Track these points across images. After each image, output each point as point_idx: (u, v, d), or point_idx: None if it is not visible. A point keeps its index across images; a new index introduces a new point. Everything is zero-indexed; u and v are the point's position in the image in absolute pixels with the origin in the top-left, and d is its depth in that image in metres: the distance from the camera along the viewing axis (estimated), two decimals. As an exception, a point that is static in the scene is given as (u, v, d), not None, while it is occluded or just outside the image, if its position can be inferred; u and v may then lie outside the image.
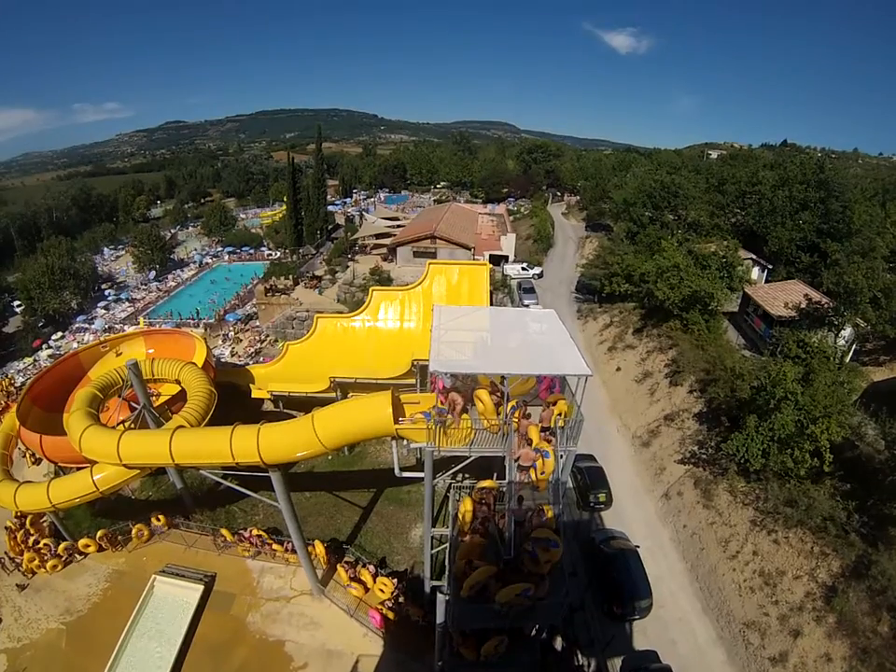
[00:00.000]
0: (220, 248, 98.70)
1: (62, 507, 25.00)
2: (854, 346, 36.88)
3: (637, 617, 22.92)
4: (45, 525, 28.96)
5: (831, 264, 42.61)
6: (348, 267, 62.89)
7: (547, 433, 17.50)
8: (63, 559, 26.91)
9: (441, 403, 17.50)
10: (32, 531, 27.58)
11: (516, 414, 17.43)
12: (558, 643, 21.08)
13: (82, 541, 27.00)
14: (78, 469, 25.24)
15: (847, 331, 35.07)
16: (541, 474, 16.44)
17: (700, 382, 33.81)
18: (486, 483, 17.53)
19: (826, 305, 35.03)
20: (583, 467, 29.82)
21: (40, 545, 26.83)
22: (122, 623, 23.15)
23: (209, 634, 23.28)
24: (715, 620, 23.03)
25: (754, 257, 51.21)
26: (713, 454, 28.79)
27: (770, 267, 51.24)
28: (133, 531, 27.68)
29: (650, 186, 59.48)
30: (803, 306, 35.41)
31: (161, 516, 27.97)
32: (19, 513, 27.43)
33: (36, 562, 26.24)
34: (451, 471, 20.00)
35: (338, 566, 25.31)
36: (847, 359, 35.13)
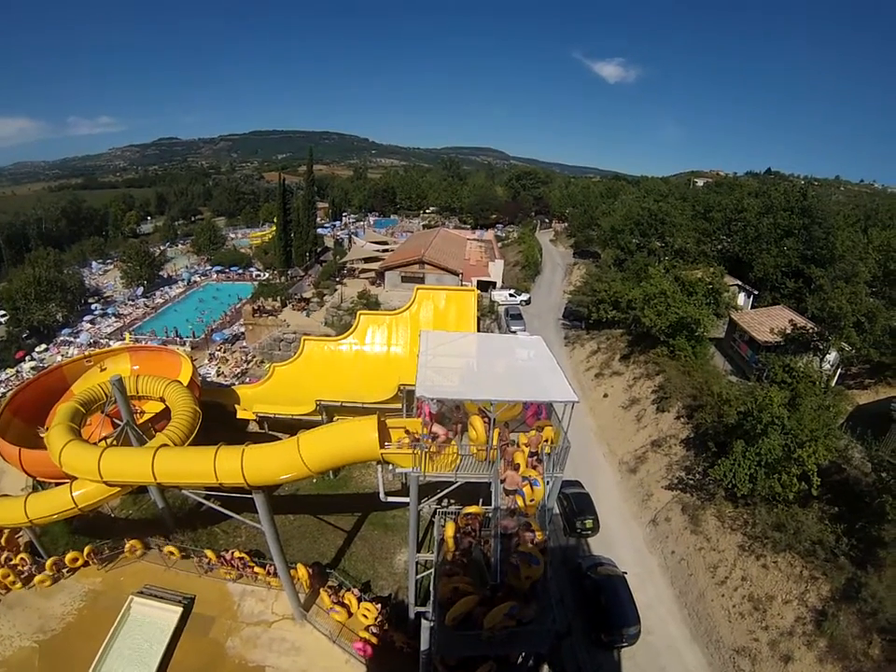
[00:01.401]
0: (209, 267, 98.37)
1: (39, 523, 24.49)
2: (839, 370, 37.20)
3: (625, 644, 22.62)
4: (20, 540, 28.17)
5: (815, 289, 43.16)
6: (336, 290, 63.03)
7: (534, 458, 17.41)
8: (52, 575, 26.05)
9: (427, 431, 17.41)
10: (3, 545, 26.76)
11: (498, 437, 17.37)
12: None
13: (70, 555, 26.22)
14: (58, 484, 24.74)
15: (832, 356, 35.46)
16: (531, 501, 16.33)
17: (687, 408, 33.93)
18: (472, 509, 17.40)
19: (811, 330, 35.41)
20: (570, 493, 29.65)
21: (15, 560, 26.00)
22: (97, 645, 22.43)
23: (186, 658, 22.59)
24: (704, 646, 22.78)
25: (740, 283, 51.83)
26: (700, 479, 28.78)
27: (756, 293, 51.88)
28: (127, 547, 26.93)
29: (637, 213, 60.44)
30: (788, 331, 35.76)
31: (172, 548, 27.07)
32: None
33: (11, 578, 25.42)
34: (436, 496, 19.82)
35: (321, 590, 24.85)
36: (833, 383, 35.36)
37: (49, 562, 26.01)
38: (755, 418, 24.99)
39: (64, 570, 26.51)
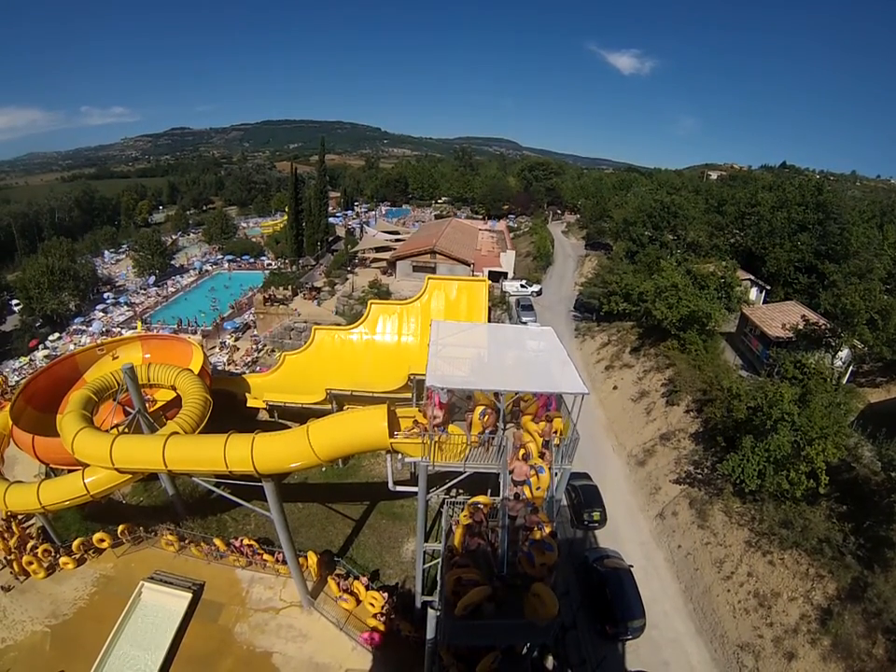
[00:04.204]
0: (220, 256, 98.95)
1: (51, 509, 24.80)
2: (851, 368, 36.86)
3: (629, 637, 22.64)
4: (31, 530, 28.67)
5: (828, 285, 42.84)
6: (347, 279, 63.10)
7: (544, 446, 17.41)
8: (77, 557, 26.69)
9: (424, 418, 17.50)
10: (16, 532, 27.23)
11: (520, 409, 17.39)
12: (549, 662, 20.84)
13: (97, 535, 26.77)
14: (70, 471, 25.06)
15: (844, 353, 35.07)
16: (537, 489, 16.34)
17: (696, 402, 33.79)
18: (479, 499, 17.42)
19: (823, 326, 35.07)
20: (578, 485, 29.66)
21: (38, 550, 26.38)
22: (108, 629, 22.82)
23: (195, 643, 22.95)
24: (709, 641, 22.80)
25: (752, 277, 51.46)
26: (709, 474, 28.71)
27: (768, 288, 51.47)
28: (162, 541, 27.36)
29: (650, 205, 59.98)
30: (800, 327, 35.45)
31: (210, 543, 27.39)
32: (8, 514, 27.14)
33: (34, 566, 25.85)
34: (445, 486, 19.87)
35: (329, 578, 25.09)
36: (844, 381, 35.10)
37: (76, 543, 26.60)
38: (765, 414, 24.89)
39: (91, 551, 27.09)
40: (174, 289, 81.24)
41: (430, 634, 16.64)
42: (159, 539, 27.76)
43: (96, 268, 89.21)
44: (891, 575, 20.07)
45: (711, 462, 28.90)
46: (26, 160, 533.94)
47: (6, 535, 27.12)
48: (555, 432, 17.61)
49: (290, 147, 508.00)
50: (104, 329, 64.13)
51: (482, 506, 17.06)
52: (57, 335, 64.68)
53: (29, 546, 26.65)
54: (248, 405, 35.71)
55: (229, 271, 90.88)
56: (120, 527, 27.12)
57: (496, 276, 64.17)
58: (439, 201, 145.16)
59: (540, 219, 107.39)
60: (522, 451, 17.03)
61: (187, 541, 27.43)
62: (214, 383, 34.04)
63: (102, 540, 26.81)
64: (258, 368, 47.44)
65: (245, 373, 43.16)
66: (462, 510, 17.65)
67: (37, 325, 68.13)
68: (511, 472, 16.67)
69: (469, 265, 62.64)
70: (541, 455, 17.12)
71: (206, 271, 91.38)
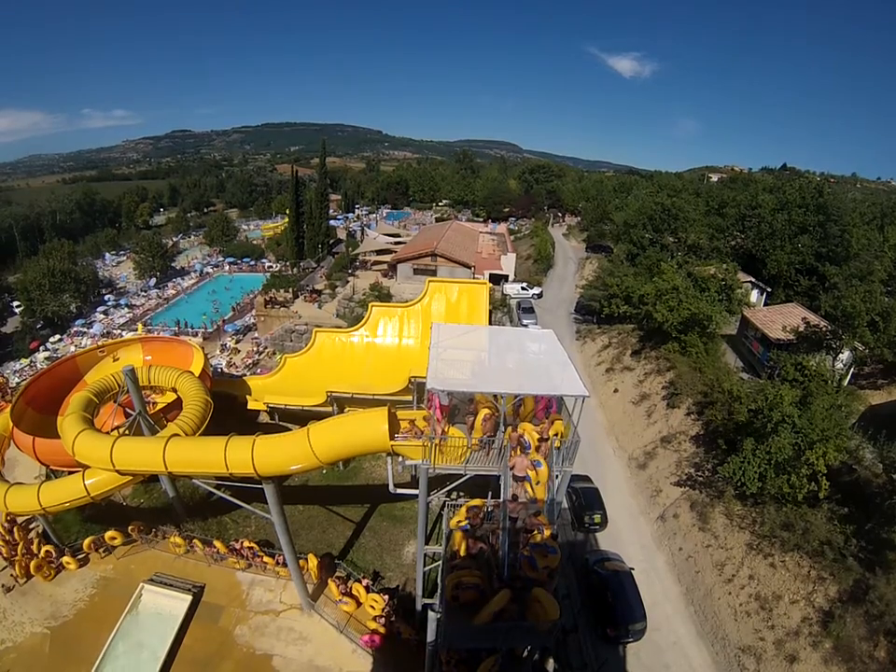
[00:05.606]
0: (221, 259, 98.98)
1: (52, 510, 24.76)
2: (852, 370, 36.83)
3: (630, 640, 22.61)
4: (31, 531, 28.63)
5: (829, 288, 42.76)
6: (348, 282, 63.25)
7: (545, 444, 17.39)
8: (82, 557, 26.87)
9: (430, 424, 17.46)
10: (18, 537, 27.22)
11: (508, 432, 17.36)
12: (550, 665, 20.75)
13: (109, 533, 26.84)
14: (70, 473, 25.04)
15: (845, 355, 35.04)
16: (536, 484, 16.31)
17: (697, 404, 33.74)
18: (474, 502, 17.39)
19: (824, 329, 35.02)
20: (579, 487, 29.62)
21: (41, 552, 26.39)
22: (107, 631, 22.81)
23: (195, 646, 22.93)
24: (710, 644, 22.73)
25: (753, 280, 51.47)
26: (710, 476, 28.65)
27: (769, 290, 51.48)
28: (170, 543, 27.34)
29: (650, 208, 59.92)
30: (801, 329, 35.42)
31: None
32: (9, 517, 27.11)
33: (44, 569, 25.87)
34: (445, 489, 19.85)
35: (329, 580, 25.03)
36: (845, 383, 35.05)
37: (86, 542, 26.70)
38: (765, 416, 24.84)
39: (101, 549, 27.21)
40: (174, 291, 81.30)
41: (431, 636, 16.59)
42: (160, 541, 27.77)
43: (97, 270, 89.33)
44: (893, 577, 19.99)
45: (712, 465, 28.84)
46: (28, 162, 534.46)
47: (7, 538, 27.09)
48: (556, 434, 17.59)
49: (291, 149, 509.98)
50: (104, 331, 64.16)
51: (476, 509, 17.03)
52: (58, 337, 64.76)
53: (35, 545, 26.65)
54: (249, 407, 35.73)
55: (230, 273, 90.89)
56: (131, 526, 27.26)
57: (496, 279, 64.18)
58: (439, 203, 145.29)
59: (541, 222, 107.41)
60: (518, 446, 17.03)
61: (188, 543, 27.39)
62: (214, 385, 34.03)
63: (114, 538, 26.85)
64: (258, 370, 47.49)
65: (245, 376, 43.19)
66: (462, 528, 17.54)
67: (38, 327, 68.25)
68: (511, 468, 16.64)
69: (469, 268, 62.78)
70: (536, 448, 17.11)
71: (207, 273, 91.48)
